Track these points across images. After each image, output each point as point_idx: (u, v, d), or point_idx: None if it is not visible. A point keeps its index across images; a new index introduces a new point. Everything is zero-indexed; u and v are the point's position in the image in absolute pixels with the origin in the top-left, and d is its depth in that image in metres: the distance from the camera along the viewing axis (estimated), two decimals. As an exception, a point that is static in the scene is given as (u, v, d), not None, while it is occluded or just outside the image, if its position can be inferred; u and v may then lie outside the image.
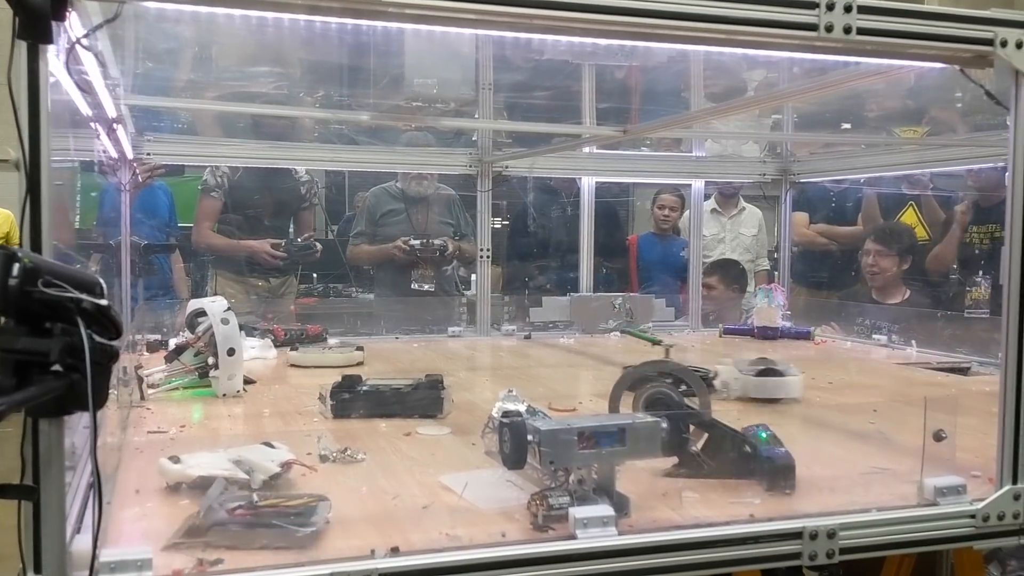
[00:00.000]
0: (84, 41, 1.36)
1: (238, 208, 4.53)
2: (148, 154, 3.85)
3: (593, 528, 1.47)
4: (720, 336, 4.31)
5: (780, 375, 2.62)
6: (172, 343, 3.42)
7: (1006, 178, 1.72)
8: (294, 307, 4.61)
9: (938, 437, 1.70)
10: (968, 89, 1.82)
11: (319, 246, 4.64)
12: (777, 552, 1.54)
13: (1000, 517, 1.67)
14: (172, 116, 4.45)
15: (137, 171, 3.80)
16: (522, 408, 1.72)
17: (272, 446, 1.85)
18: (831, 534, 1.57)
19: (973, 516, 1.66)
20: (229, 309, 2.73)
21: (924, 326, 3.94)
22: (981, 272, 4.04)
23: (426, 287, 4.58)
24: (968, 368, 3.38)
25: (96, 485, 1.09)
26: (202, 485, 1.60)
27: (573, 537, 1.46)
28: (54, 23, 1.18)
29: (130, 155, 3.67)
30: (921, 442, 1.72)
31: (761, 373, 2.64)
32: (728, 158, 4.98)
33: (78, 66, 1.62)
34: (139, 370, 2.66)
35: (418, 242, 4.50)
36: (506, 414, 1.59)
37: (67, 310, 1.03)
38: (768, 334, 4.17)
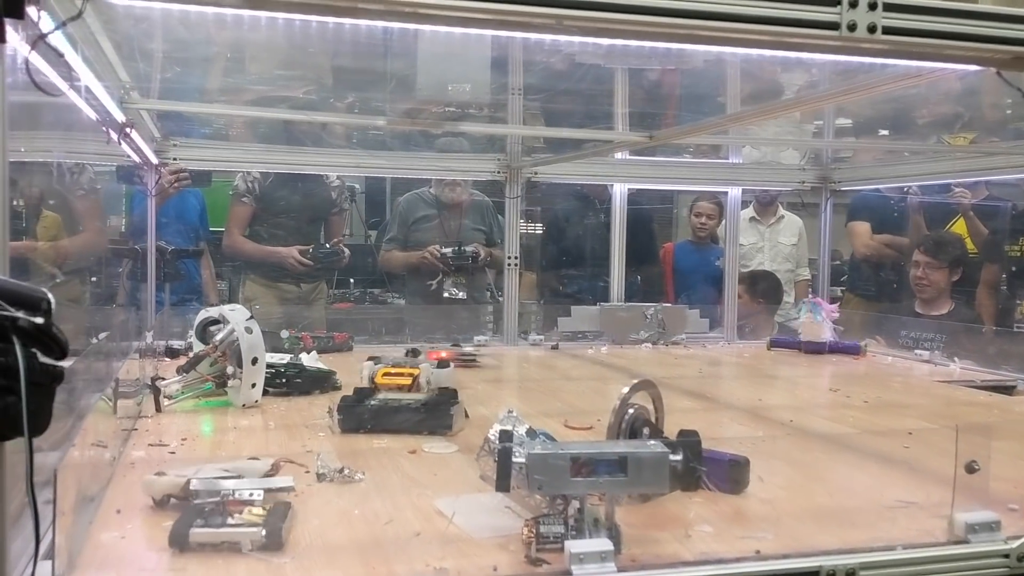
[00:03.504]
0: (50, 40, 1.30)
1: (269, 213, 4.50)
2: (174, 159, 3.83)
3: (590, 564, 1.37)
4: (768, 349, 4.17)
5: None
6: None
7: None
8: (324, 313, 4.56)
9: (970, 469, 1.57)
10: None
11: (347, 252, 4.59)
12: (790, 592, 1.43)
13: (1037, 558, 1.54)
14: (202, 121, 4.43)
15: (162, 176, 3.77)
16: (522, 430, 1.62)
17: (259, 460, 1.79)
18: (850, 574, 1.44)
19: (1007, 556, 1.52)
20: (252, 318, 2.68)
21: (971, 340, 3.77)
22: None
23: (459, 294, 4.51)
24: (1014, 387, 3.21)
25: (33, 515, 1.02)
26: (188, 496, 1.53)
27: (568, 574, 1.36)
28: (10, 22, 1.12)
29: (154, 160, 3.65)
30: (952, 471, 1.59)
31: None
32: (766, 165, 4.84)
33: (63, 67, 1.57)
34: (156, 381, 2.60)
35: (450, 250, 4.43)
36: (501, 435, 1.49)
37: (3, 328, 0.96)
38: (814, 348, 4.02)
